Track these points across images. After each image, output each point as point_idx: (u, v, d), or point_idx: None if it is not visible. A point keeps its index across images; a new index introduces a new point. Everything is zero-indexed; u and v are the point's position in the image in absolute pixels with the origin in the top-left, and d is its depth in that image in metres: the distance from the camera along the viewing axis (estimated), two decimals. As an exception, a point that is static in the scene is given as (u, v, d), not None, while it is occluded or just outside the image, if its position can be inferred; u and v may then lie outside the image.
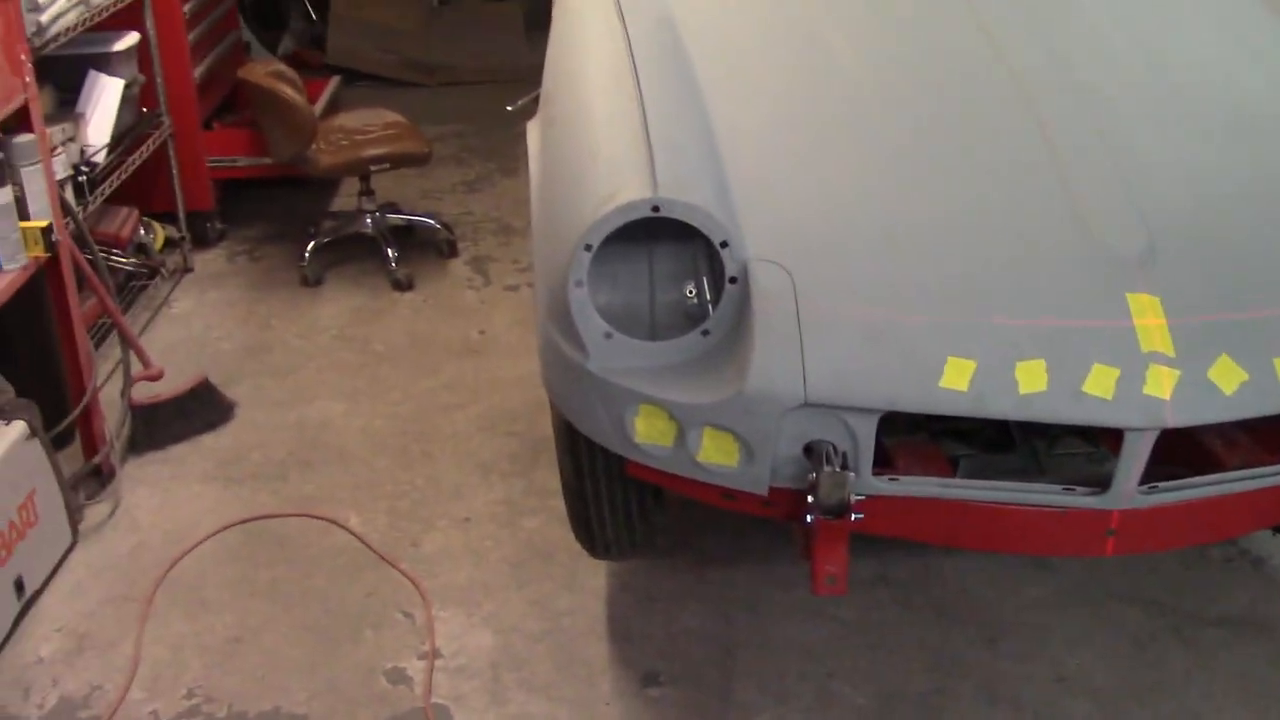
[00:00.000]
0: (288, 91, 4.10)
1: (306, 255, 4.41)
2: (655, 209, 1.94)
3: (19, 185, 2.86)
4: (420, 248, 4.65)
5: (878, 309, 1.93)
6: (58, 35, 3.33)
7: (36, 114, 2.95)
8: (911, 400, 1.88)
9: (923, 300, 1.94)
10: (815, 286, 1.95)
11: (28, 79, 2.93)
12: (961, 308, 1.93)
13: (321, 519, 3.09)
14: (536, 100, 2.72)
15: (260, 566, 2.93)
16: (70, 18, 3.43)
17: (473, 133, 5.99)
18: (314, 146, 4.26)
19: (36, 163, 2.91)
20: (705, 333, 2.00)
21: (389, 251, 4.40)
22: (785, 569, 2.84)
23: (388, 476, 3.27)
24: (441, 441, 3.42)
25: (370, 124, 4.53)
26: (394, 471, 3.29)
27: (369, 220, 4.53)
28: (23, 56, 2.92)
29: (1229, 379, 1.85)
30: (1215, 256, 2.00)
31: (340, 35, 6.89)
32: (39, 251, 2.89)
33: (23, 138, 2.88)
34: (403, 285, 4.34)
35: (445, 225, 4.68)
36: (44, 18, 3.23)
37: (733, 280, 1.97)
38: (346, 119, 4.61)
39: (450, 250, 4.61)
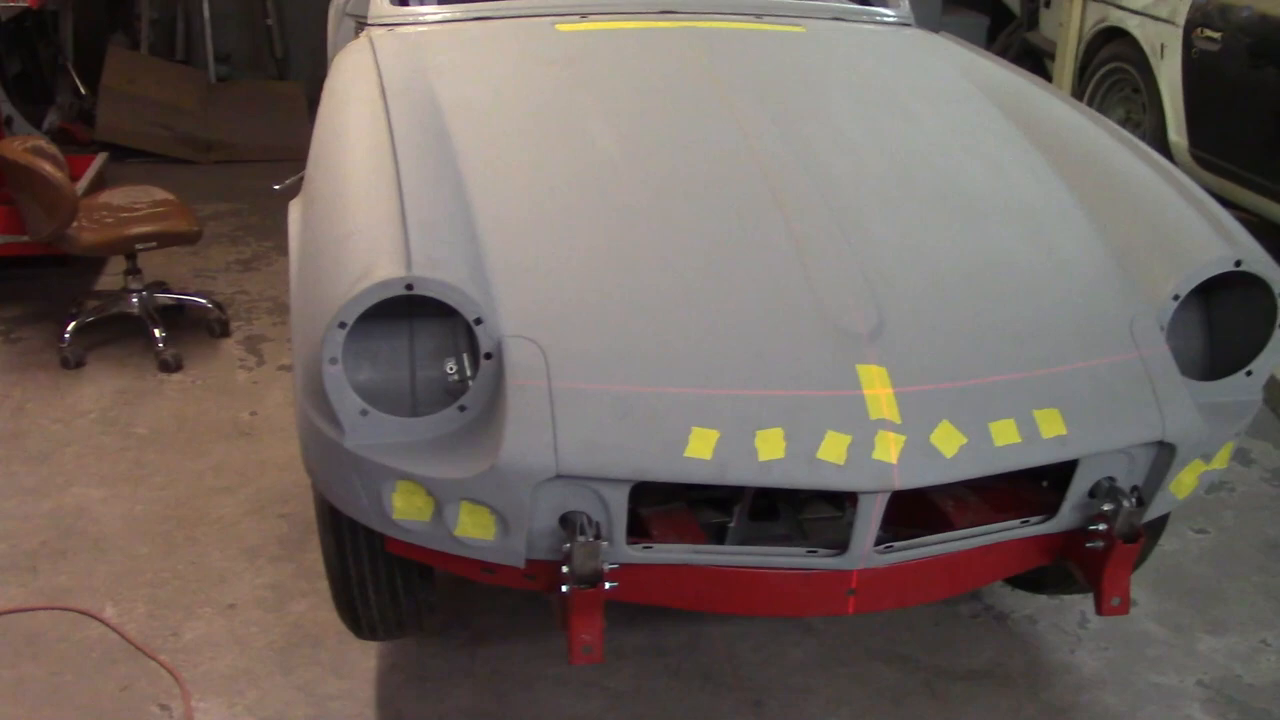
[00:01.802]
0: (45, 167, 3.96)
1: (67, 336, 4.24)
2: (409, 286, 1.97)
3: None
4: (191, 327, 4.53)
5: (627, 383, 2.00)
6: None
7: None
8: (659, 470, 1.94)
9: (669, 374, 2.01)
10: (568, 362, 2.01)
11: None
12: (705, 380, 2.01)
13: (73, 611, 2.94)
14: (303, 180, 2.72)
15: (3, 665, 2.76)
16: None
17: (249, 211, 5.89)
18: (75, 224, 4.11)
19: None
20: (462, 408, 2.03)
21: (155, 332, 4.27)
22: (558, 643, 2.86)
23: (148, 564, 3.14)
24: (207, 526, 3.31)
25: (137, 201, 4.41)
26: (155, 559, 3.16)
27: (135, 299, 4.39)
28: None
29: (949, 443, 1.99)
30: (938, 330, 2.15)
31: (110, 110, 6.69)
32: None
33: None
34: (170, 366, 4.21)
35: (217, 304, 4.57)
36: None
37: (488, 356, 2.01)
38: (112, 196, 4.48)
39: (222, 330, 4.50)
